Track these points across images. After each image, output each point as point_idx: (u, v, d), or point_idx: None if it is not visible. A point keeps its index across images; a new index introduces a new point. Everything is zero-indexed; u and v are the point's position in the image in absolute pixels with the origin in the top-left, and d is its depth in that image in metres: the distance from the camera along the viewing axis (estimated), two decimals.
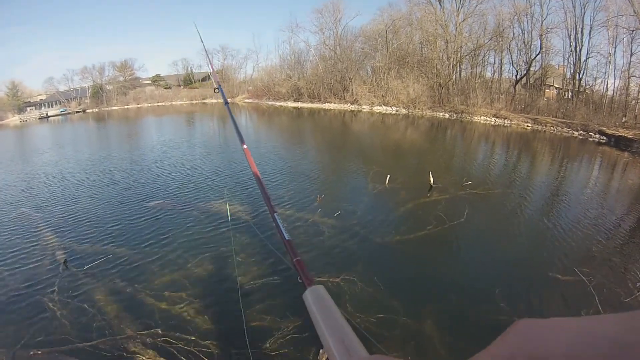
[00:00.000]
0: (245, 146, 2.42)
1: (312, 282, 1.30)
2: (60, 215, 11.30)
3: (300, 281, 1.34)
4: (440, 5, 40.96)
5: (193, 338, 5.54)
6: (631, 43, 30.50)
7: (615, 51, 32.02)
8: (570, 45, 33.87)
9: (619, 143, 22.87)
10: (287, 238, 1.50)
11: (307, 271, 1.34)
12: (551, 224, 9.72)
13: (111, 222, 10.39)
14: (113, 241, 9.05)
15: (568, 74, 35.07)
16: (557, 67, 36.92)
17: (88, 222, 10.51)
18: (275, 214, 1.61)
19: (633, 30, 30.02)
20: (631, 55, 30.55)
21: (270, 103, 57.81)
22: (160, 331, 5.69)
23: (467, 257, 8.06)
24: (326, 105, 48.70)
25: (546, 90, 36.85)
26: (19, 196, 13.98)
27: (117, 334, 5.72)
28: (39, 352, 5.45)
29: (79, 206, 12.07)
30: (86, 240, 9.19)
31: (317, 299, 1.21)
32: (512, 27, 37.47)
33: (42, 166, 19.62)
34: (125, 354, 5.34)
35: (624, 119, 27.64)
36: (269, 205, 1.73)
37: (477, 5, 39.08)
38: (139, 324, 5.87)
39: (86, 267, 7.76)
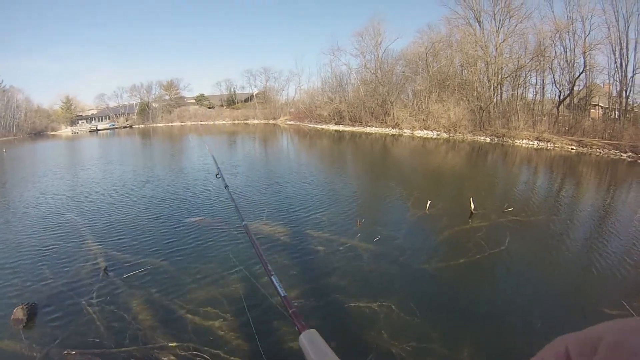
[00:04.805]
0: (244, 223, 2.95)
1: (305, 327, 1.51)
2: (104, 224, 11.82)
3: (296, 329, 1.54)
4: (480, 26, 40.85)
5: (226, 356, 5.61)
6: None
7: None
8: (616, 62, 32.86)
9: None
10: (282, 295, 1.85)
11: (301, 319, 1.59)
12: (597, 253, 9.34)
13: (152, 234, 10.77)
14: (152, 253, 9.35)
15: (614, 92, 33.94)
16: (602, 86, 35.92)
17: (130, 232, 10.95)
18: (272, 276, 1.98)
19: None
20: None
21: (311, 125, 58.61)
22: (192, 345, 5.79)
23: (507, 287, 7.89)
24: (367, 129, 48.92)
25: (591, 111, 35.79)
26: (67, 203, 14.87)
27: (150, 343, 5.87)
28: (73, 353, 5.66)
29: (122, 217, 12.59)
30: (127, 250, 9.55)
31: (310, 342, 1.42)
32: (553, 45, 36.68)
33: (91, 177, 20.74)
34: None
35: None
36: (267, 269, 2.05)
37: (516, 25, 38.71)
38: (172, 336, 6.00)
39: (125, 275, 8.06)
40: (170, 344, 5.83)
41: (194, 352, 5.67)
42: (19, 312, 6.46)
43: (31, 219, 12.75)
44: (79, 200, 15.22)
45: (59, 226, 11.81)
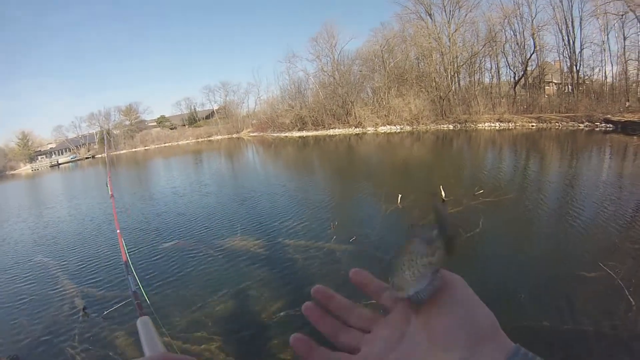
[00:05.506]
0: (118, 231, 3.34)
1: (142, 315, 2.05)
2: (76, 262, 11.37)
3: (137, 316, 1.99)
4: (431, 19, 41.73)
5: None
6: (622, 28, 30.89)
7: (608, 38, 32.43)
8: (563, 40, 34.34)
9: (626, 128, 22.96)
10: (132, 290, 2.79)
11: (141, 308, 2.25)
12: (569, 221, 9.58)
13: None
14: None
15: (565, 68, 35.39)
16: (553, 63, 37.17)
17: (103, 267, 10.54)
18: (129, 275, 2.97)
19: (622, 15, 30.31)
20: (624, 39, 30.91)
21: (275, 135, 58.34)
22: None
23: (487, 267, 7.94)
24: (331, 132, 49.17)
25: (546, 88, 36.99)
26: (35, 246, 14.26)
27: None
28: None
29: (93, 252, 12.12)
30: (103, 286, 9.20)
31: (144, 325, 1.87)
32: (503, 30, 38.17)
33: (56, 216, 19.87)
34: None
35: (627, 104, 27.73)
36: (127, 269, 3.00)
37: (466, 14, 39.87)
38: None
39: (105, 312, 7.76)
40: None
41: None
42: None
43: None
44: (46, 241, 14.61)
45: (29, 271, 11.29)
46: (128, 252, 4.59)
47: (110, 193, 4.65)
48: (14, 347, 7.00)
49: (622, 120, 24.04)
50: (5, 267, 12.22)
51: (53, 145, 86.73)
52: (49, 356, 6.59)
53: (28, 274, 11.07)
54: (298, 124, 55.35)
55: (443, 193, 12.22)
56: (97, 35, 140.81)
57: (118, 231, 3.38)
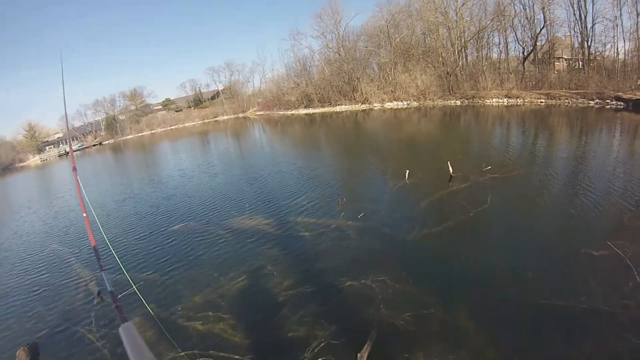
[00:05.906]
0: (85, 214, 3.03)
1: (125, 320, 1.96)
2: (88, 249, 11.44)
3: (121, 321, 1.94)
4: None
5: (231, 355, 5.61)
6: (636, 3, 29.85)
7: (621, 14, 31.31)
8: (575, 14, 33.31)
9: (637, 106, 22.48)
10: (110, 289, 2.54)
11: (122, 312, 2.11)
12: (578, 199, 9.56)
13: (138, 249, 10.57)
14: (142, 268, 9.19)
15: (576, 43, 34.50)
16: (564, 38, 36.38)
17: (115, 251, 10.61)
18: (102, 272, 2.74)
19: None
20: (637, 15, 29.93)
21: (281, 113, 58.18)
22: (198, 351, 5.76)
23: (495, 243, 7.96)
24: (337, 108, 48.97)
25: (556, 63, 36.29)
26: (47, 236, 14.38)
27: (156, 357, 5.74)
28: None
29: (104, 236, 12.18)
30: (116, 270, 9.09)
31: (127, 332, 1.84)
32: (512, 4, 37.03)
33: (66, 205, 19.98)
34: None
35: (639, 81, 27.12)
36: (100, 264, 2.82)
37: None
38: (177, 346, 5.87)
39: (119, 295, 7.78)
40: (177, 355, 5.77)
41: (202, 358, 5.66)
42: (22, 355, 6.30)
43: (13, 261, 12.20)
44: (58, 230, 14.75)
45: (44, 260, 11.47)
46: (111, 242, 4.42)
47: (72, 165, 4.24)
48: (33, 335, 7.15)
49: (634, 98, 23.50)
50: (20, 258, 12.37)
51: (60, 135, 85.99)
52: (68, 342, 6.75)
53: (42, 264, 11.24)
54: (304, 102, 55.10)
55: (451, 169, 12.19)
56: (97, 22, 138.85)
57: (84, 214, 3.01)
